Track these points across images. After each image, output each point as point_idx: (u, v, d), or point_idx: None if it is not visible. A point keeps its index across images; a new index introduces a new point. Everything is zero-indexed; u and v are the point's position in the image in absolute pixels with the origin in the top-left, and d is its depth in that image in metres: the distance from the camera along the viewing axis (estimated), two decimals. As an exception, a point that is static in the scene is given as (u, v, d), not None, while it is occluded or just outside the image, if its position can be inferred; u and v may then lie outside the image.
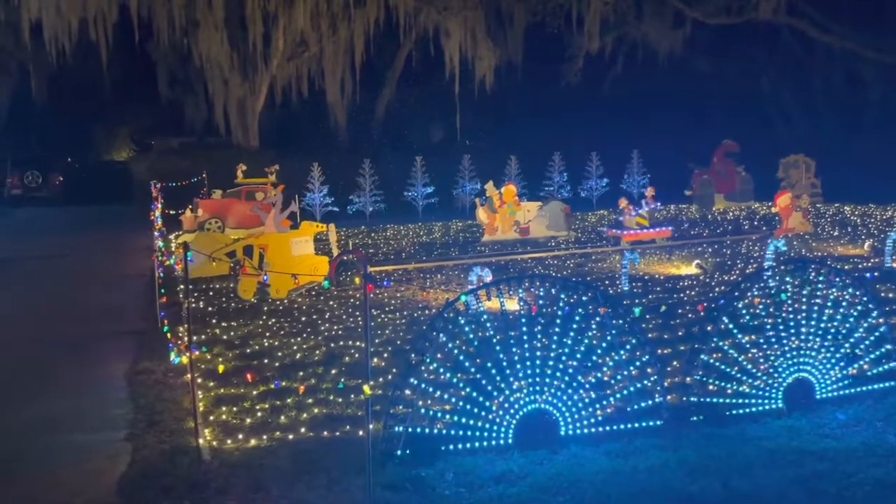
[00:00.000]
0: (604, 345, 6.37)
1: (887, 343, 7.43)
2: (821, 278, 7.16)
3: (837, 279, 7.18)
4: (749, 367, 6.95)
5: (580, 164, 28.47)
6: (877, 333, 7.38)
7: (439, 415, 5.92)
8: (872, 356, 7.38)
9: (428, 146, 31.89)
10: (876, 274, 12.52)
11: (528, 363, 6.08)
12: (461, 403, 5.95)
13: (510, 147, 28.01)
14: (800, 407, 6.99)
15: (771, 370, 6.96)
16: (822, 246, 16.37)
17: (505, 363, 6.01)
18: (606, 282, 13.00)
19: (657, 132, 29.81)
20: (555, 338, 6.20)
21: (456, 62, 26.15)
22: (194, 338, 9.49)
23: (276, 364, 8.44)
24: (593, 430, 6.30)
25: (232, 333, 9.93)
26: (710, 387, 6.87)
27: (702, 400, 6.79)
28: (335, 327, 10.24)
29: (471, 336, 5.94)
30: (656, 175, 28.90)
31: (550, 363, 6.14)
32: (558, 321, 6.22)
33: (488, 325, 6.03)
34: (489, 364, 5.97)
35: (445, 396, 5.99)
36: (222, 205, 20.94)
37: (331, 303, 11.92)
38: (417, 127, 33.89)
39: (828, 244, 16.61)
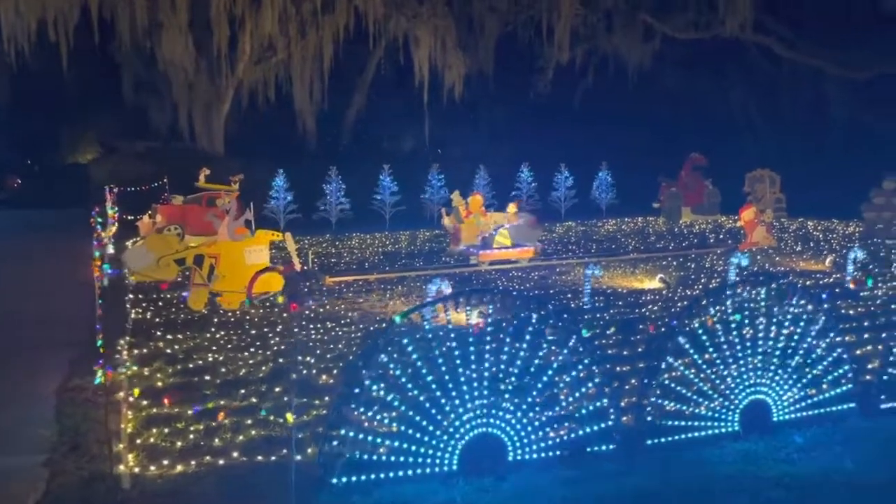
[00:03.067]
0: (555, 364, 6.09)
1: (845, 364, 7.28)
2: (778, 296, 6.99)
3: (795, 297, 7.01)
4: (705, 388, 6.74)
5: (549, 175, 28.41)
6: (835, 353, 7.23)
7: (379, 440, 5.59)
8: (831, 377, 7.23)
9: (399, 154, 31.62)
10: (837, 290, 12.50)
11: (475, 384, 5.78)
12: (402, 427, 5.62)
13: (482, 156, 27.85)
14: (757, 429, 6.80)
15: (727, 391, 6.76)
16: (784, 261, 16.37)
17: (450, 384, 5.70)
18: (569, 295, 12.79)
19: (627, 144, 29.93)
20: (504, 357, 5.91)
21: (425, 70, 25.94)
22: (135, 352, 9.08)
23: (218, 381, 8.03)
24: (543, 454, 6.02)
25: (176, 347, 9.49)
26: (667, 409, 6.64)
27: (658, 422, 6.55)
28: (287, 341, 9.84)
29: (414, 356, 5.62)
30: (625, 187, 29.00)
31: (499, 384, 5.86)
32: (508, 339, 5.93)
33: (433, 343, 5.72)
34: (433, 385, 5.66)
35: (386, 420, 5.66)
36: (182, 211, 20.35)
37: (284, 314, 11.51)
38: (389, 135, 33.60)
39: (791, 259, 16.62)
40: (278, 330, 10.46)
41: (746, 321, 6.77)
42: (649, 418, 6.49)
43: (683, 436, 6.55)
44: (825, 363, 7.16)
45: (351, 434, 5.44)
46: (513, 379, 5.90)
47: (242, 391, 7.63)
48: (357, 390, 5.41)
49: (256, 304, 11.69)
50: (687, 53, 30.90)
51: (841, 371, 7.25)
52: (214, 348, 9.46)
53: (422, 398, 5.62)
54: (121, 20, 24.59)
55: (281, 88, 28.47)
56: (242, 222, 12.46)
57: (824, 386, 7.20)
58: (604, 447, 6.19)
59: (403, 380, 5.59)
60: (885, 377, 7.38)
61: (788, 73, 30.37)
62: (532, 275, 15.26)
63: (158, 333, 10.14)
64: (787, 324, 6.92)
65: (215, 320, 11.13)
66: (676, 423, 6.58)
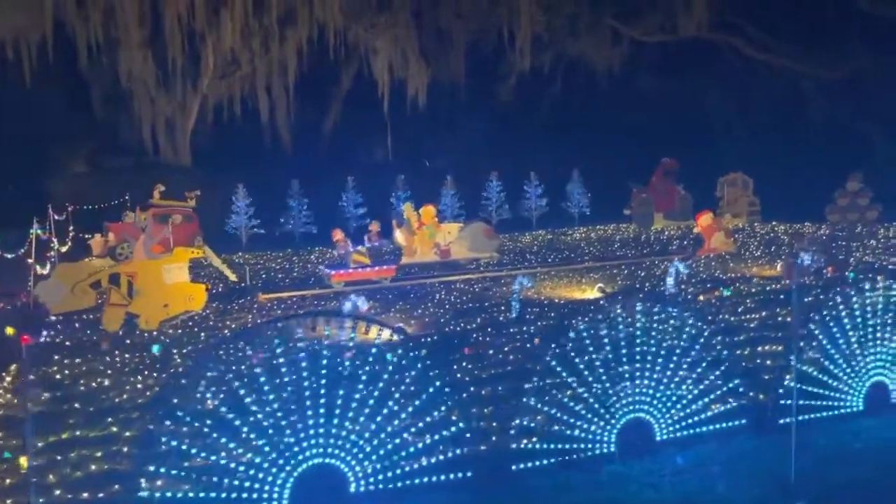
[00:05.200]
0: (402, 389, 5.73)
1: (736, 378, 6.91)
2: (657, 309, 6.63)
3: (675, 311, 6.66)
4: (579, 408, 6.36)
5: (521, 184, 28.07)
6: (723, 368, 6.85)
7: (194, 475, 5.23)
8: (720, 393, 6.85)
9: (371, 166, 31.38)
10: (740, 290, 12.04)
11: (309, 411, 5.43)
12: (223, 461, 5.27)
13: (454, 166, 27.61)
14: (637, 450, 6.43)
15: (602, 411, 6.39)
16: (738, 266, 15.98)
17: (279, 412, 5.35)
18: (502, 307, 12.42)
19: (599, 150, 29.58)
20: (343, 383, 5.56)
21: (385, 80, 25.71)
22: (19, 379, 8.73)
23: (91, 409, 7.68)
24: (390, 485, 5.66)
25: (66, 372, 9.14)
26: (535, 431, 6.26)
27: (524, 446, 6.18)
28: (191, 363, 9.48)
29: (235, 384, 5.28)
30: (597, 194, 28.63)
31: (337, 411, 5.50)
32: (346, 364, 5.58)
33: (258, 370, 5.37)
34: (259, 415, 5.31)
35: (203, 454, 5.30)
36: (135, 229, 20.07)
37: (202, 335, 11.17)
38: (364, 146, 33.35)
39: (745, 265, 16.23)
40: (185, 351, 10.11)
41: (620, 336, 6.41)
42: (514, 443, 6.12)
43: (552, 459, 6.18)
44: (712, 378, 6.80)
45: (162, 469, 5.09)
46: (354, 405, 5.55)
47: (109, 419, 7.29)
48: (168, 423, 5.07)
49: None
50: (660, 57, 30.60)
51: (731, 386, 6.88)
52: (110, 371, 9.12)
53: (244, 428, 5.27)
54: (79, 37, 24.47)
55: (247, 102, 28.26)
56: (159, 240, 12.16)
57: (712, 402, 6.83)
58: (459, 475, 5.83)
59: (223, 409, 5.24)
60: (780, 391, 7.00)
61: (764, 74, 30.02)
62: (475, 287, 14.91)
63: (58, 357, 9.79)
64: (667, 338, 6.56)
65: (127, 342, 10.78)
66: (545, 446, 6.22)
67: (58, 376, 9.03)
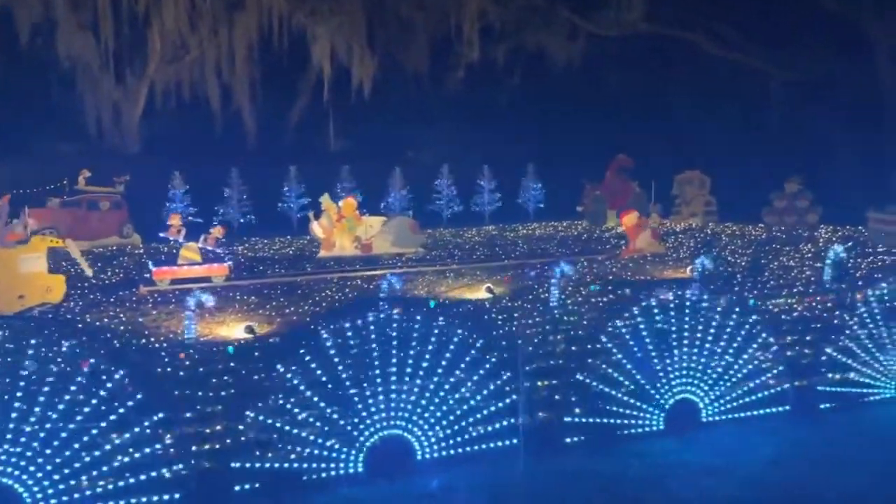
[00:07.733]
0: (95, 402, 5.22)
1: (506, 398, 6.36)
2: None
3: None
4: (321, 425, 5.85)
5: (477, 178, 27.49)
6: (494, 388, 6.32)
7: None
8: (494, 409, 6.32)
9: (327, 156, 30.87)
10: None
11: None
12: None
13: (419, 158, 27.15)
14: (392, 472, 5.91)
15: (349, 429, 5.87)
16: (653, 269, 15.35)
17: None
18: (386, 306, 11.87)
19: (558, 145, 28.97)
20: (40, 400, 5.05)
21: (326, 68, 25.13)
22: None
23: None
24: (80, 506, 5.16)
25: None
26: (266, 451, 5.75)
27: (250, 466, 5.66)
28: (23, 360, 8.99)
29: None
30: (552, 190, 28.00)
31: (12, 425, 5.00)
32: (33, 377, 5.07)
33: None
34: None
35: None
36: (56, 215, 19.64)
37: (53, 329, 10.68)
38: (320, 136, 32.81)
39: (659, 267, 15.58)
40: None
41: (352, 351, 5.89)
42: (235, 463, 5.61)
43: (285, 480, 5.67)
44: (486, 394, 6.27)
45: None
46: (33, 418, 5.04)
47: None
48: None
49: None
50: (624, 51, 29.86)
51: (506, 402, 6.34)
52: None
53: None
54: (19, 18, 24.02)
55: (196, 88, 27.73)
56: (19, 227, 11.70)
57: (484, 420, 6.30)
58: (167, 497, 5.32)
59: None
60: (566, 409, 6.46)
61: (726, 72, 29.27)
62: (374, 284, 14.36)
63: None
64: (425, 351, 6.03)
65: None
66: (274, 465, 5.70)
67: None
